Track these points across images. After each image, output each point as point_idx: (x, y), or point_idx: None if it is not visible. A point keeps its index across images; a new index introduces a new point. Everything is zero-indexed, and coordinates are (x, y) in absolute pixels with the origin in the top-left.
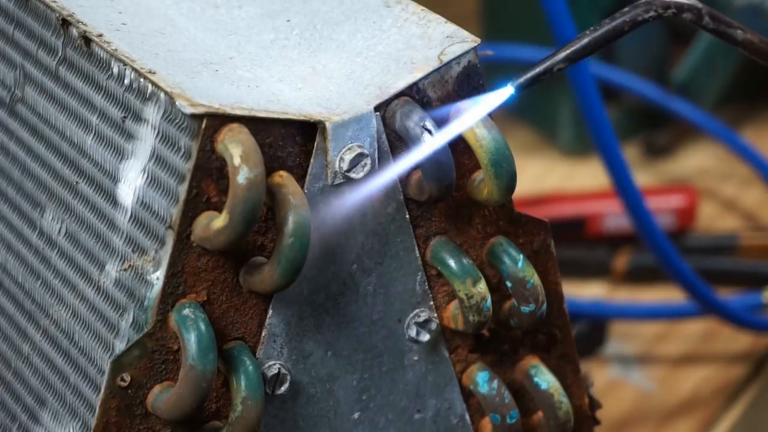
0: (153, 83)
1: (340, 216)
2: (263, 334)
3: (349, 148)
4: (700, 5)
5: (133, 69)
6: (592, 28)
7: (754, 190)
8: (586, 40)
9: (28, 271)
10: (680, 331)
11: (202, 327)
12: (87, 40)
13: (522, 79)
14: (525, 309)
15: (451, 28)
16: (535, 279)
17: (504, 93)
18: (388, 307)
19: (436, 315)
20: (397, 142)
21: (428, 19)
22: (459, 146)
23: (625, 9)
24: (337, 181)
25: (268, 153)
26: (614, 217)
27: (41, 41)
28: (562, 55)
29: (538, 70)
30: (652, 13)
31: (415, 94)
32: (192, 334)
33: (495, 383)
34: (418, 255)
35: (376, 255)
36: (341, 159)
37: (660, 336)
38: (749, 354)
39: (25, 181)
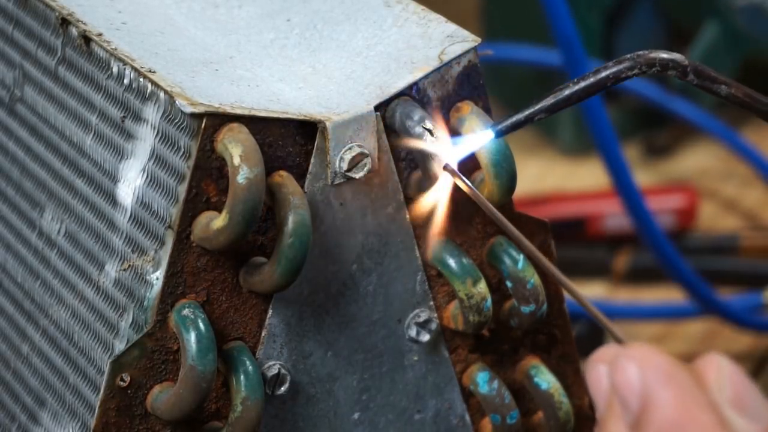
0: (153, 82)
1: (341, 216)
2: (263, 334)
3: (349, 148)
4: (685, 62)
5: (133, 68)
6: (575, 80)
7: (754, 190)
8: (567, 93)
9: (28, 271)
10: (680, 331)
11: (202, 327)
12: (86, 39)
13: (502, 126)
14: (525, 309)
15: (452, 27)
16: (535, 279)
17: (484, 137)
18: (388, 307)
19: (436, 315)
20: (397, 142)
21: (428, 18)
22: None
23: (610, 63)
24: (337, 181)
25: (268, 153)
26: (614, 217)
27: (41, 41)
28: (543, 105)
29: (519, 117)
30: (636, 71)
31: (415, 93)
32: (192, 334)
33: (495, 383)
34: (418, 255)
35: (376, 255)
36: (341, 159)
37: (660, 336)
38: (750, 354)
39: (24, 181)
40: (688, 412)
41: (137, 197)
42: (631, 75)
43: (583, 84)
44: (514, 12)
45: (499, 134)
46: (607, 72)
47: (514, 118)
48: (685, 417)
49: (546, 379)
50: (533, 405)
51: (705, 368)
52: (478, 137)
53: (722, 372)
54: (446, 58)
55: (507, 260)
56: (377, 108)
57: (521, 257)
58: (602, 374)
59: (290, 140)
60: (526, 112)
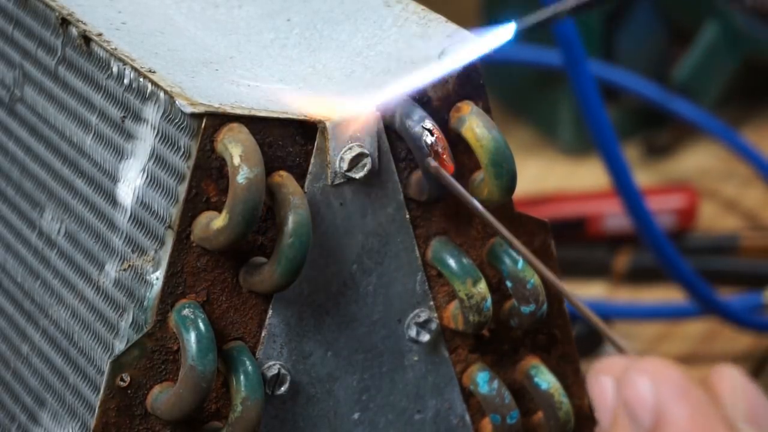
0: (153, 82)
1: (341, 216)
2: (263, 335)
3: (350, 148)
4: None
5: (133, 68)
6: None
7: (754, 190)
8: None
9: (28, 271)
10: (680, 331)
11: (202, 327)
12: (86, 39)
13: (526, 22)
14: (525, 309)
15: (452, 27)
16: (535, 279)
17: (507, 31)
18: (388, 307)
19: (436, 315)
20: (397, 141)
21: (428, 18)
22: (459, 146)
23: None
24: (337, 181)
25: (268, 153)
26: (614, 217)
27: (40, 41)
28: (569, 3)
29: (544, 14)
30: None
31: (415, 93)
32: (192, 334)
33: (495, 383)
34: (418, 255)
35: (376, 255)
36: (341, 159)
37: (660, 336)
38: (750, 354)
39: (24, 181)
40: (704, 430)
41: (137, 197)
42: None
43: None
44: (514, 12)
45: (522, 30)
46: None
47: (539, 15)
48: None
49: (546, 379)
50: (533, 405)
51: (718, 382)
52: (502, 31)
53: (736, 386)
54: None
55: (507, 260)
56: (377, 108)
57: (521, 257)
58: (607, 387)
59: (290, 140)
60: (551, 10)
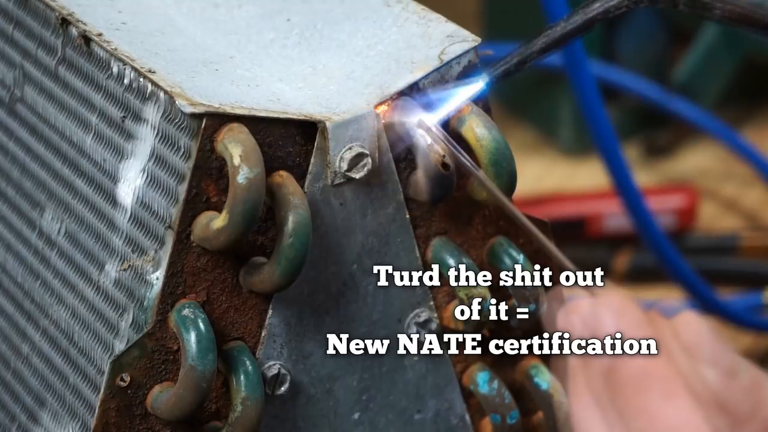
0: (153, 82)
1: (341, 216)
2: (263, 334)
3: (350, 148)
4: None
5: (133, 68)
6: (563, 19)
7: (754, 190)
8: (558, 34)
9: (28, 271)
10: None
11: (202, 327)
12: (86, 39)
13: (494, 74)
14: (525, 309)
15: (452, 27)
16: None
17: (476, 86)
18: (388, 307)
19: (436, 315)
20: (396, 141)
21: (428, 18)
22: (459, 146)
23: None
24: (337, 181)
25: (268, 153)
26: (614, 217)
27: (41, 41)
28: (534, 48)
29: (510, 64)
30: (623, 8)
31: (415, 93)
32: (192, 334)
33: (495, 383)
34: (418, 255)
35: (376, 255)
36: (341, 159)
37: None
38: (750, 354)
39: (24, 181)
40: (657, 360)
41: (137, 197)
42: (619, 12)
43: (571, 24)
44: (514, 12)
45: (491, 83)
46: (595, 10)
47: (506, 66)
48: (653, 364)
49: (546, 379)
50: (533, 405)
51: (683, 325)
52: (472, 87)
53: (700, 332)
54: (446, 58)
55: (507, 260)
56: (377, 107)
57: (521, 257)
58: (576, 324)
59: (290, 140)
60: (518, 58)
